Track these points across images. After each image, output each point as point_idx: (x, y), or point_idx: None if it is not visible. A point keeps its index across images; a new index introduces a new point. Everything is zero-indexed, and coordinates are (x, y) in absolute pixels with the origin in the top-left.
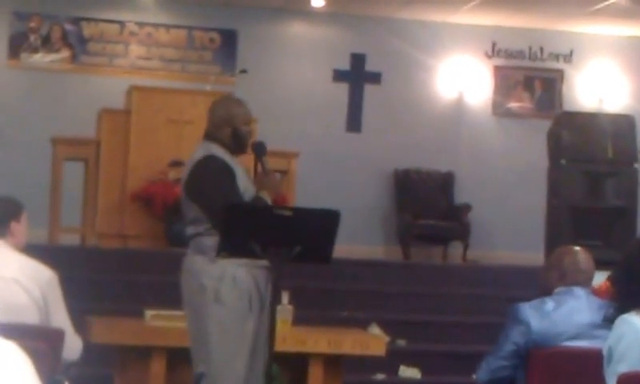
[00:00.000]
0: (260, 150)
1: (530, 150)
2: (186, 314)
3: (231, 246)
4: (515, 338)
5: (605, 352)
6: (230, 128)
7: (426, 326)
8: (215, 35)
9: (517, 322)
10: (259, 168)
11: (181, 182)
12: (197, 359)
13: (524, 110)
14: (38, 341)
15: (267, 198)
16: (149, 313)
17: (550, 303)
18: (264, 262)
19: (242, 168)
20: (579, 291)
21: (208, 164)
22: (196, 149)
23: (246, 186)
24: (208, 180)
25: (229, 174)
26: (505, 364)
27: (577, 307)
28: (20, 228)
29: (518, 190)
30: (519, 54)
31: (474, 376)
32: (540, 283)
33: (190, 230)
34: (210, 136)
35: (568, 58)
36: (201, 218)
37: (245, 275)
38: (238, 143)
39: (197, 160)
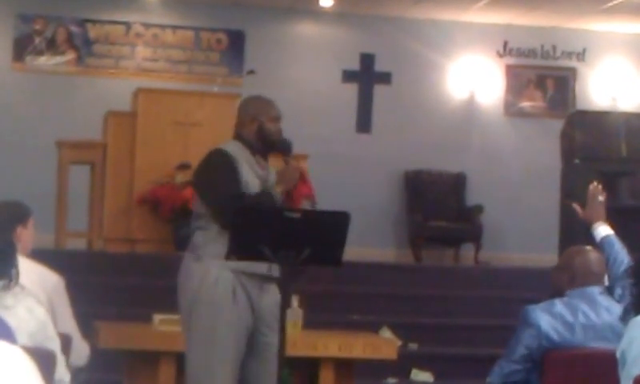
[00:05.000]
0: (283, 146)
1: (543, 150)
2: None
3: (240, 249)
4: (527, 341)
5: (618, 356)
6: (257, 124)
7: (437, 329)
8: (222, 36)
9: (527, 325)
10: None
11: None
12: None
13: (536, 109)
14: None
15: (278, 193)
16: (157, 317)
17: (559, 305)
18: (259, 268)
19: (256, 166)
20: (590, 292)
21: (210, 157)
22: None
23: (250, 181)
24: (207, 172)
25: (228, 165)
26: (518, 368)
27: (588, 309)
28: (26, 233)
29: (530, 190)
30: (531, 53)
31: (488, 380)
32: (552, 284)
33: (191, 225)
34: (236, 135)
35: (581, 56)
36: (201, 213)
37: (231, 277)
38: (263, 140)
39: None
